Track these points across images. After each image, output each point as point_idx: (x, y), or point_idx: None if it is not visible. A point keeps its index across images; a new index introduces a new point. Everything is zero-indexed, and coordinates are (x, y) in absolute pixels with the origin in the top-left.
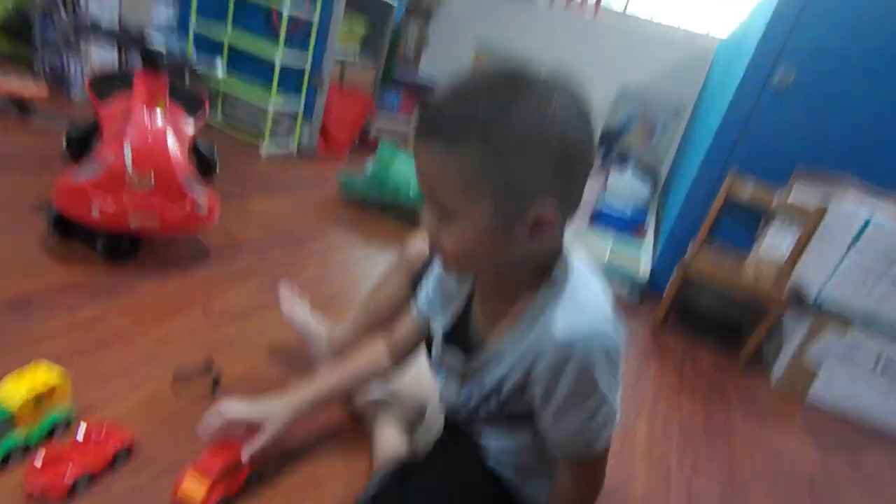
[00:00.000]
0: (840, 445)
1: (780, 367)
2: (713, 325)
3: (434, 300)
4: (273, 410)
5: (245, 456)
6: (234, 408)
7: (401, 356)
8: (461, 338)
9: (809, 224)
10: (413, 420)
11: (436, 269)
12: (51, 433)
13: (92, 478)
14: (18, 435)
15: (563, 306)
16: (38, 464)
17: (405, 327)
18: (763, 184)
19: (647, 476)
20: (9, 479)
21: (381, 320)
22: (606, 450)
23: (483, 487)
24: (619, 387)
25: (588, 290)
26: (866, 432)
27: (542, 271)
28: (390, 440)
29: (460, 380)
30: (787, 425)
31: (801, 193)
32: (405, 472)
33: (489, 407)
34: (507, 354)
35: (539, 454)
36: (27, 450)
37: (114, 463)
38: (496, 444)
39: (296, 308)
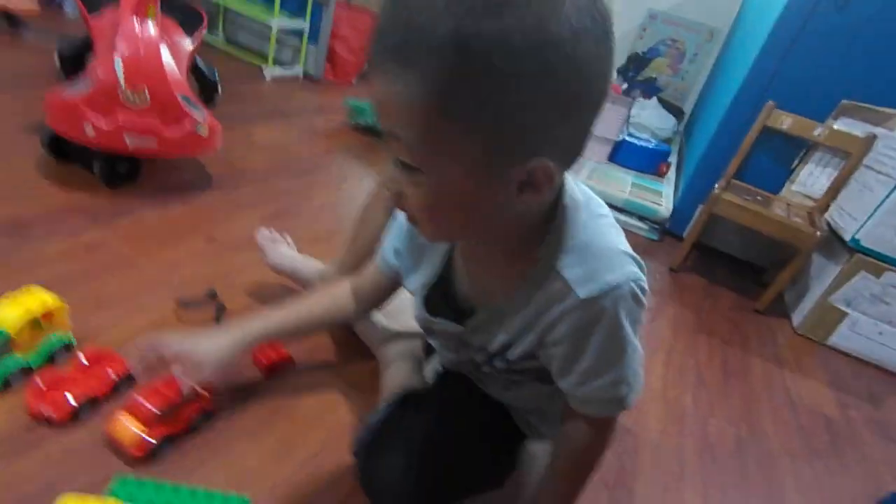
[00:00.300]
0: (861, 390)
1: (803, 310)
2: (735, 266)
3: (404, 253)
4: (212, 348)
5: (185, 389)
6: (168, 342)
7: (367, 307)
8: (445, 298)
9: (856, 153)
10: (421, 355)
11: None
12: (51, 358)
13: (94, 403)
14: (18, 359)
15: (575, 256)
16: (42, 386)
17: (371, 276)
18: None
19: (663, 416)
20: (10, 402)
21: (369, 255)
22: None
23: (490, 414)
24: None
25: (600, 228)
26: (889, 378)
27: (541, 220)
28: (398, 372)
29: (456, 345)
30: (807, 369)
31: (846, 126)
32: (410, 400)
33: (494, 366)
34: (512, 318)
35: (549, 403)
36: (28, 373)
37: (116, 389)
38: (503, 394)
39: (281, 254)
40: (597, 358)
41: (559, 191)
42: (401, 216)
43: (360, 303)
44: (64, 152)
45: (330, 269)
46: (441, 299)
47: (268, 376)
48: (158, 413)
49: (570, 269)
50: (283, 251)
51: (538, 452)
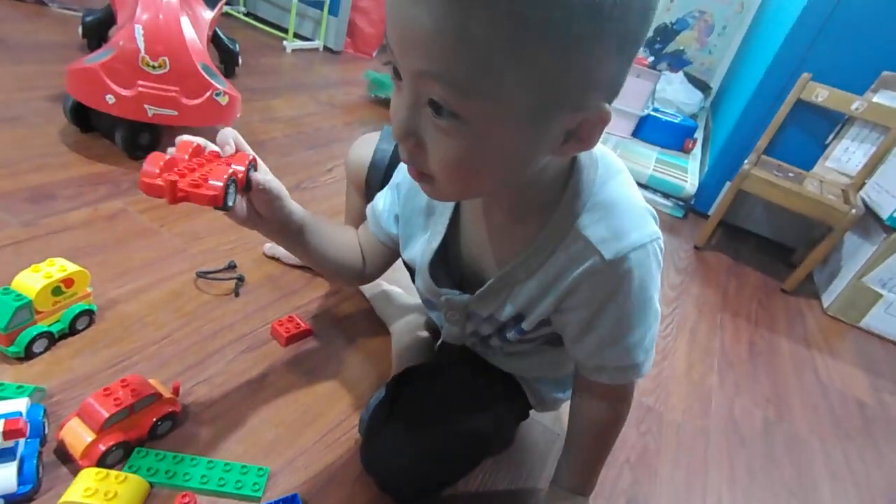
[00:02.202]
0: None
1: (835, 291)
2: (762, 246)
3: (403, 220)
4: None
5: (259, 180)
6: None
7: (370, 272)
8: (445, 265)
9: None
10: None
11: (401, 178)
12: (73, 326)
13: None
14: (40, 325)
15: (597, 214)
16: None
17: (370, 244)
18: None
19: (686, 397)
20: (34, 369)
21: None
22: None
23: (494, 386)
24: None
25: (619, 185)
26: None
27: (558, 175)
28: (408, 348)
29: (461, 317)
30: (839, 351)
31: (887, 99)
32: (411, 377)
33: (505, 337)
34: (526, 283)
35: (557, 369)
36: (52, 341)
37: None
38: (508, 363)
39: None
40: (616, 323)
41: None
42: (401, 180)
43: (365, 265)
44: (87, 122)
45: None
46: (441, 266)
47: (286, 345)
48: (108, 416)
49: (593, 228)
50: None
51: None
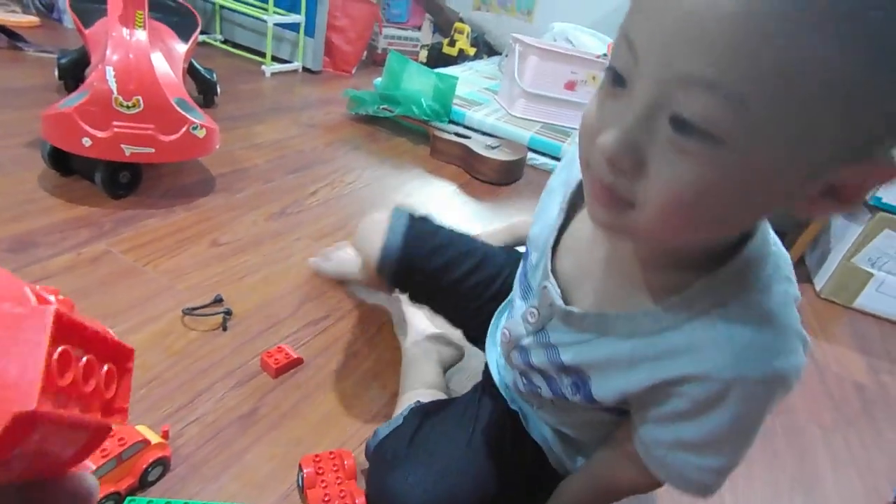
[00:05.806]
0: (892, 353)
1: (826, 273)
2: None
3: (552, 188)
4: None
5: None
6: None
7: None
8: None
9: None
10: (448, 363)
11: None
12: None
13: None
14: None
15: (749, 311)
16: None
17: None
18: None
19: None
20: None
21: None
22: None
23: (514, 447)
24: None
25: (784, 296)
26: None
27: (722, 246)
28: (425, 376)
29: (539, 322)
30: (834, 334)
31: None
32: (431, 415)
33: (554, 386)
34: (620, 342)
35: (601, 432)
36: None
37: None
38: (548, 419)
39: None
40: (707, 436)
41: (755, 224)
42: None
43: None
44: (67, 165)
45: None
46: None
47: (276, 376)
48: (95, 469)
49: (739, 326)
50: (339, 256)
51: None
